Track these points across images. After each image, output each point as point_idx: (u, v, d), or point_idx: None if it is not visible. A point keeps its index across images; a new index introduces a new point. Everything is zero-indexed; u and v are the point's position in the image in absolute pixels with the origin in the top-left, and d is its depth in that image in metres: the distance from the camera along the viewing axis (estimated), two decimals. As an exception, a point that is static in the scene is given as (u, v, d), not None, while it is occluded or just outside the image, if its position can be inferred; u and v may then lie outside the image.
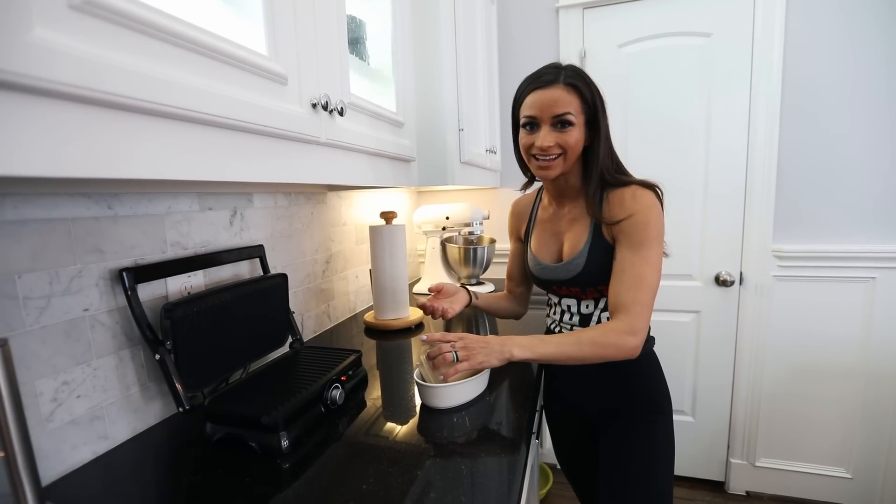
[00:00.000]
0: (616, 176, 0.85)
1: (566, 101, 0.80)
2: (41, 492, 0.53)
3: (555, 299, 0.97)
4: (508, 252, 1.14)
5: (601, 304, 0.88)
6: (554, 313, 0.97)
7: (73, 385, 0.66)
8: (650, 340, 0.93)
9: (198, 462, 0.69)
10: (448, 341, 0.77)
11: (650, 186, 0.83)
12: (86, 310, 0.68)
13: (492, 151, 1.70)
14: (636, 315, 0.76)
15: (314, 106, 0.70)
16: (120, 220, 0.73)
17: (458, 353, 0.74)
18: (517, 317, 1.16)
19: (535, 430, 0.81)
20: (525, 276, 1.11)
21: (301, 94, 0.68)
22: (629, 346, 0.75)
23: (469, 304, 1.05)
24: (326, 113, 0.74)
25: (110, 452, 0.71)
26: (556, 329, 0.97)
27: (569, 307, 0.93)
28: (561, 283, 0.90)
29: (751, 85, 1.62)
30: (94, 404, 0.69)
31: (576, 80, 0.81)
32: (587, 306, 0.90)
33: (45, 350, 0.63)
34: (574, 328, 0.92)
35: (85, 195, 0.67)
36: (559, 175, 0.86)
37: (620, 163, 0.88)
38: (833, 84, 1.54)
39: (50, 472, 0.64)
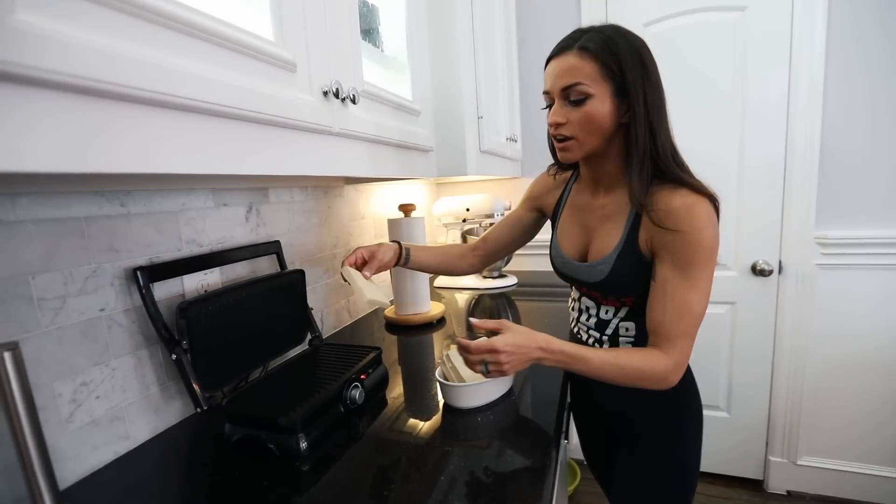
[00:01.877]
0: (673, 169, 0.68)
1: (575, 70, 0.67)
2: (58, 495, 0.53)
3: (575, 294, 0.90)
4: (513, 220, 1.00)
5: (620, 314, 0.79)
6: (573, 309, 0.91)
7: (92, 386, 0.66)
8: None
9: (217, 463, 0.67)
10: (479, 352, 0.69)
11: (708, 195, 0.66)
12: (102, 310, 0.67)
13: (512, 140, 1.65)
14: (682, 350, 0.68)
15: (325, 94, 0.67)
16: (133, 218, 0.71)
17: (489, 366, 0.69)
18: (456, 274, 1.05)
19: (563, 429, 0.77)
20: (502, 248, 1.01)
21: (311, 81, 0.65)
22: (669, 381, 0.68)
23: (399, 263, 0.93)
24: (339, 101, 0.70)
25: (131, 453, 0.70)
26: (574, 328, 0.90)
27: (587, 308, 0.85)
28: (581, 283, 0.82)
29: (790, 59, 1.52)
30: (113, 405, 0.68)
31: (592, 43, 0.67)
32: (606, 312, 0.81)
33: (61, 351, 0.62)
34: (590, 331, 0.84)
35: (97, 193, 0.66)
36: (585, 157, 0.75)
37: (678, 154, 0.71)
38: (883, 52, 1.42)
39: (71, 473, 0.63)
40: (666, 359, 0.67)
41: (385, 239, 1.52)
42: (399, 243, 0.93)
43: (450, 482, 0.60)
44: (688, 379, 0.81)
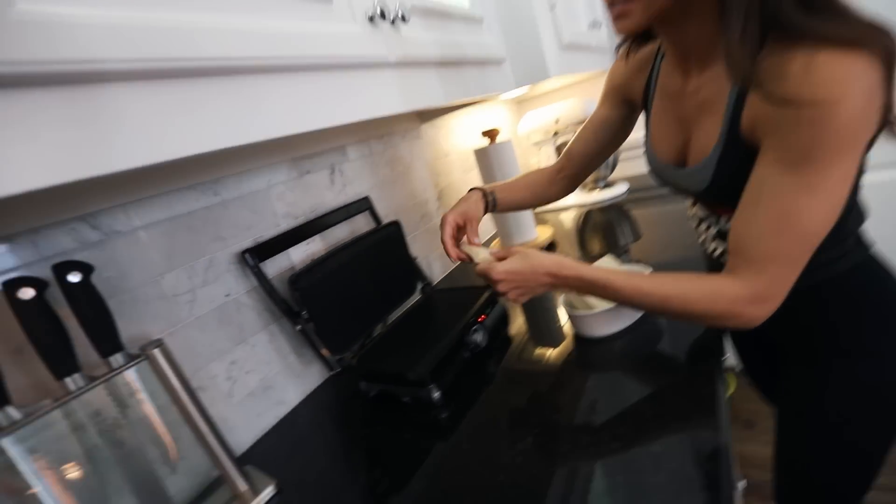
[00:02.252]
0: (794, 16, 0.41)
1: None
2: (234, 458, 0.58)
3: (690, 201, 0.73)
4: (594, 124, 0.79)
5: None
6: (692, 217, 0.74)
7: (240, 363, 0.71)
8: (864, 247, 0.59)
9: (363, 418, 0.70)
10: (484, 278, 0.62)
11: (868, 43, 0.40)
12: (227, 295, 0.71)
13: (595, 25, 1.40)
14: (771, 279, 0.48)
15: (371, 19, 0.58)
16: (229, 205, 0.73)
17: (499, 292, 0.62)
18: (549, 202, 0.89)
19: (722, 347, 0.65)
20: (591, 160, 0.82)
21: (352, 7, 0.56)
22: (747, 317, 0.49)
23: (486, 210, 0.80)
24: (388, 23, 0.61)
25: (289, 415, 0.77)
26: (699, 237, 0.73)
27: (705, 217, 0.67)
28: (685, 192, 0.65)
29: None
30: (262, 376, 0.74)
31: None
32: (727, 221, 0.62)
33: (205, 338, 0.68)
34: (715, 241, 0.66)
35: (190, 188, 0.68)
36: (655, 22, 0.52)
37: None
38: None
39: (245, 438, 0.71)
40: (737, 287, 0.49)
41: (474, 173, 1.44)
42: (481, 190, 0.81)
43: (591, 411, 0.54)
44: (882, 279, 0.59)
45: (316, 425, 0.73)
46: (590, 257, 1.06)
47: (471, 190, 0.81)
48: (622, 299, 0.56)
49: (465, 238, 0.74)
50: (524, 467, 0.50)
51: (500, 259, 0.63)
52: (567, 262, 0.58)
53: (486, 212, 0.80)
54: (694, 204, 0.71)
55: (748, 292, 0.48)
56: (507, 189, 0.85)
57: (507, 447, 0.54)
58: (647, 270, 0.71)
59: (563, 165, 0.85)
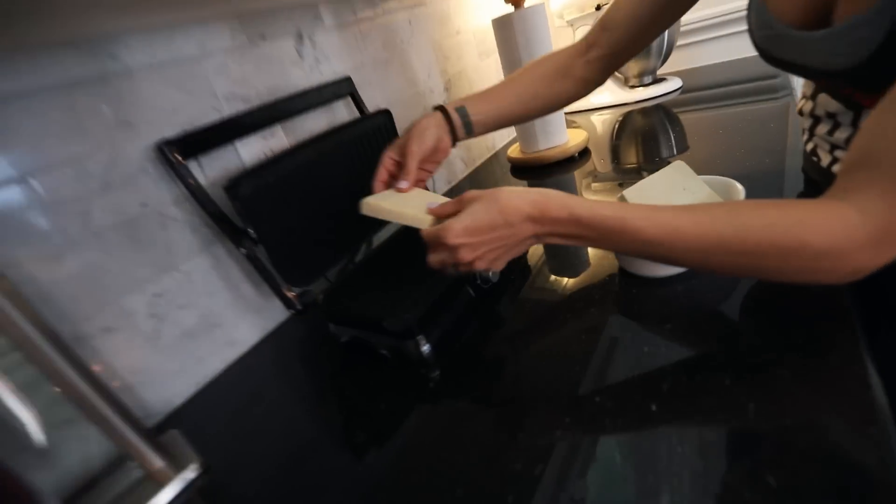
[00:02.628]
0: None
1: None
2: (144, 430, 0.43)
3: (807, 89, 0.49)
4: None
5: None
6: (805, 114, 0.49)
7: (169, 295, 0.54)
8: None
9: (333, 368, 0.55)
10: (434, 249, 0.40)
11: None
12: (143, 205, 0.52)
13: None
14: None
15: None
16: (138, 76, 0.51)
17: (458, 267, 0.39)
18: (563, 104, 0.60)
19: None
20: (638, 33, 0.53)
21: None
22: (855, 266, 0.30)
23: (458, 137, 0.55)
24: None
25: (242, 358, 0.61)
26: (809, 143, 0.50)
27: (833, 114, 0.44)
28: (818, 72, 0.39)
29: None
30: (204, 312, 0.58)
31: None
32: None
33: (113, 263, 0.50)
34: (838, 150, 0.44)
35: (66, 45, 0.45)
36: None
37: None
38: None
39: (180, 390, 0.56)
40: (850, 218, 0.29)
41: (494, 58, 1.15)
42: (442, 108, 0.54)
43: (646, 389, 0.36)
44: None
45: (277, 372, 0.58)
46: (622, 172, 0.83)
47: (434, 108, 0.55)
48: (648, 250, 0.35)
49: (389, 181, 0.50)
50: (543, 473, 0.33)
51: (452, 215, 0.39)
52: (555, 198, 0.36)
53: (454, 140, 0.55)
54: (813, 96, 0.47)
55: (873, 225, 0.29)
56: (492, 97, 0.57)
57: (520, 437, 0.37)
58: (740, 189, 0.48)
59: (595, 40, 0.55)
